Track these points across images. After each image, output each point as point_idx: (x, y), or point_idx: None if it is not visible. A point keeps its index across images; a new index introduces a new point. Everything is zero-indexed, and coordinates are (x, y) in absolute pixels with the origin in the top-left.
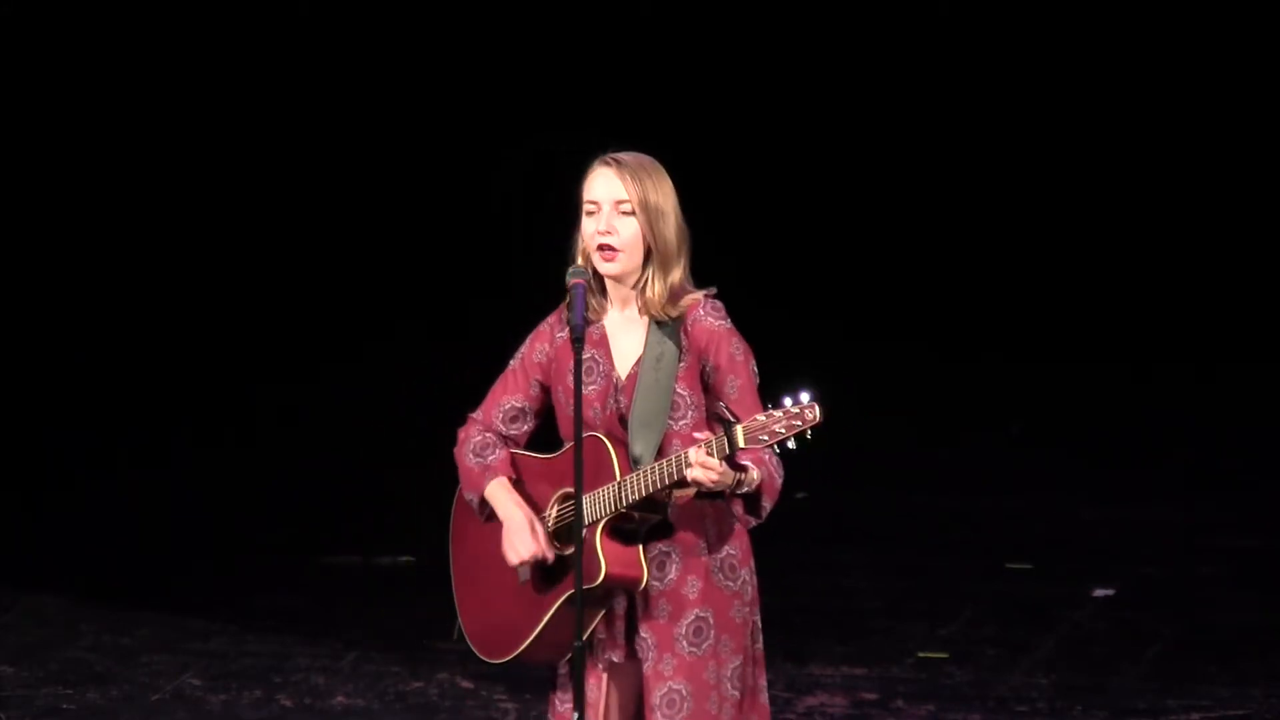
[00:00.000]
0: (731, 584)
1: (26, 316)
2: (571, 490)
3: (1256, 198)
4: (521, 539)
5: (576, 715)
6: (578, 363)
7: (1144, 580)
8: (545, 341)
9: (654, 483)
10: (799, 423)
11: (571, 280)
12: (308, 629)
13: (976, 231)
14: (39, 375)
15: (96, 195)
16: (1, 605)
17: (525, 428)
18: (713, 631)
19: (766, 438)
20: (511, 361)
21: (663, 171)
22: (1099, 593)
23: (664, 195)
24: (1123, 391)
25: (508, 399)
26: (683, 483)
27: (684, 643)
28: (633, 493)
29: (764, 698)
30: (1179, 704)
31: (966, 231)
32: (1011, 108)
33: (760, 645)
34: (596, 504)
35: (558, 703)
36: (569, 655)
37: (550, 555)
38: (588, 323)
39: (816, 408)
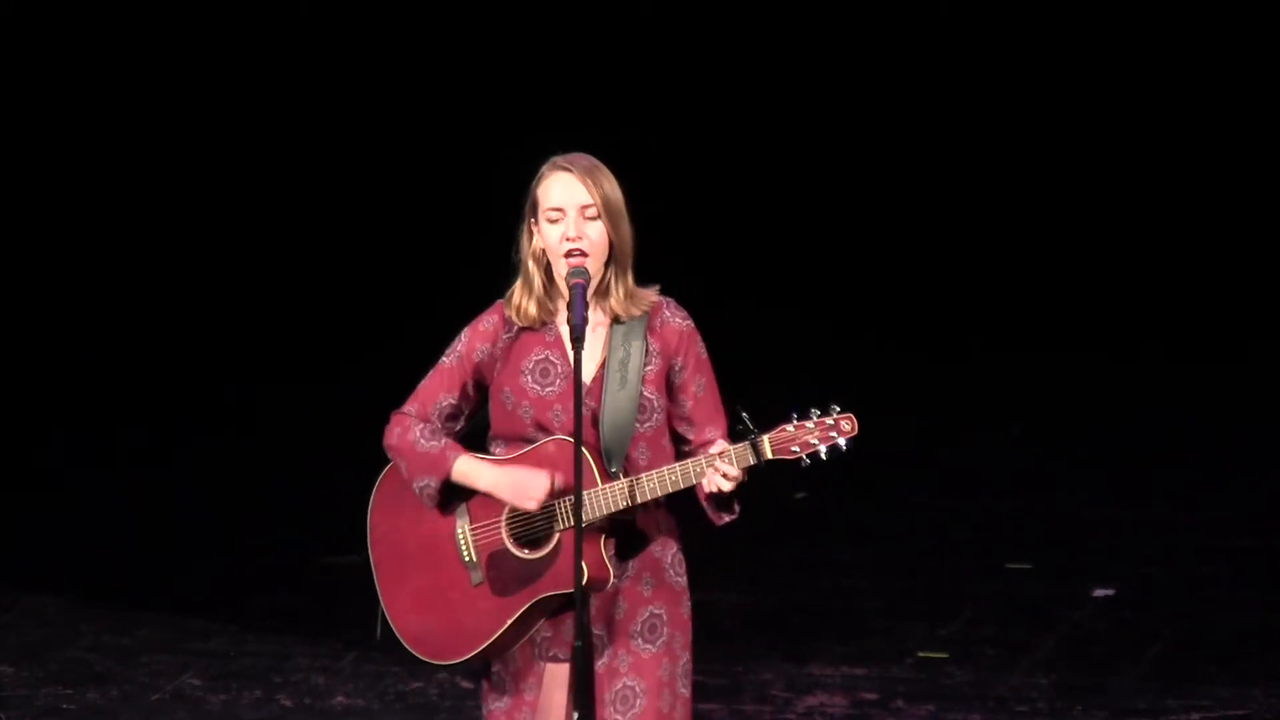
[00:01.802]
0: (680, 580)
1: (26, 316)
2: None
3: (1257, 197)
4: (533, 483)
5: (577, 715)
6: (577, 365)
7: (1144, 580)
8: (487, 341)
9: (653, 490)
10: (835, 434)
11: (572, 281)
12: (308, 629)
13: (977, 231)
14: (39, 375)
15: (96, 194)
16: (1, 605)
17: (458, 427)
18: (665, 628)
19: (798, 448)
20: (445, 358)
21: (607, 169)
22: (1099, 593)
23: (619, 194)
24: (1123, 391)
25: (444, 396)
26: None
27: (639, 640)
28: (625, 500)
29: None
30: (1179, 704)
31: (967, 231)
32: (1008, 104)
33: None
34: (584, 506)
35: (490, 700)
36: (506, 655)
37: (560, 479)
38: (537, 325)
39: (854, 419)
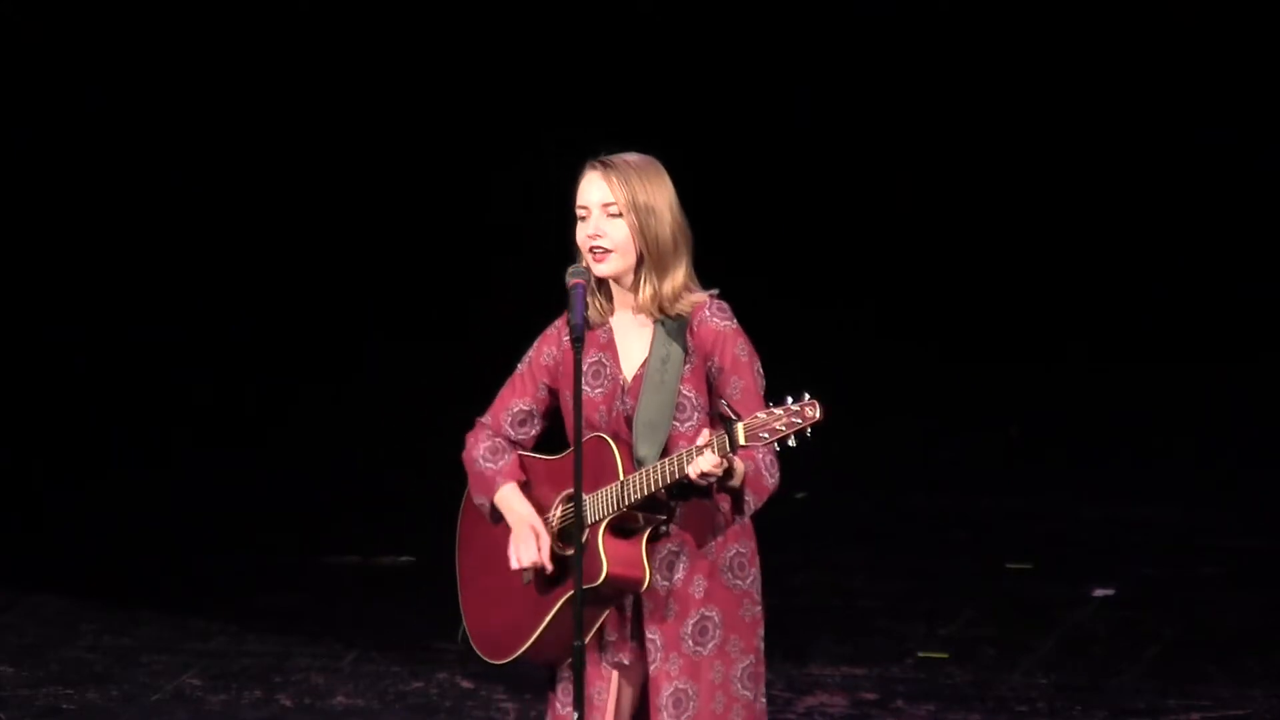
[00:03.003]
0: (740, 583)
1: (26, 316)
2: (569, 492)
3: (1256, 198)
4: (526, 546)
5: (576, 716)
6: (577, 363)
7: (1144, 580)
8: (553, 345)
9: (656, 481)
10: (799, 420)
11: (571, 280)
12: (308, 629)
13: (977, 231)
14: (38, 376)
15: (97, 194)
16: (1, 605)
17: (533, 431)
18: (719, 631)
19: (767, 435)
20: (519, 365)
21: (658, 171)
22: (1099, 593)
23: (656, 195)
24: (1123, 391)
25: (516, 402)
26: (684, 480)
27: (689, 642)
28: (635, 492)
29: (763, 701)
30: (1179, 704)
31: (967, 231)
32: (1013, 106)
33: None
34: (599, 504)
35: (558, 705)
36: (568, 659)
37: (548, 566)
38: (594, 325)
39: (817, 405)
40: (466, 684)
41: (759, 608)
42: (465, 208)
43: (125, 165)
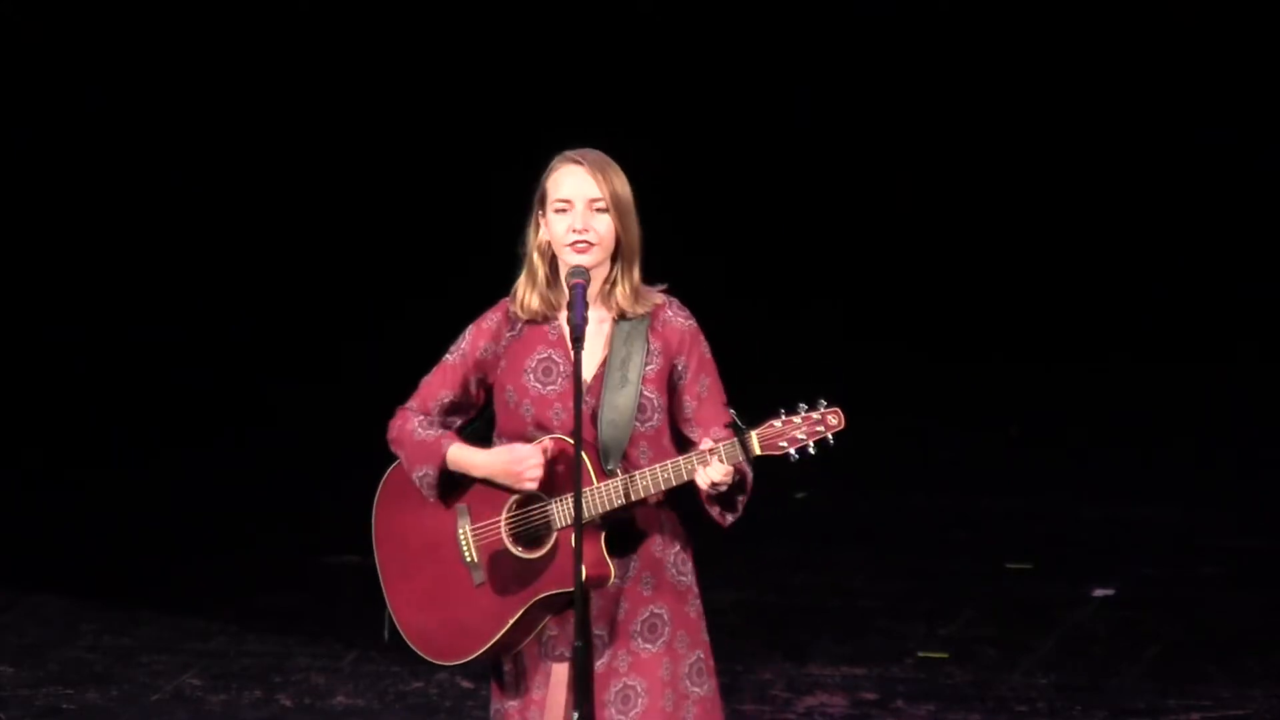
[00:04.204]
0: (684, 579)
1: (26, 316)
2: (533, 493)
3: (1256, 198)
4: (529, 462)
5: (577, 716)
6: (577, 364)
7: (1144, 580)
8: (490, 339)
9: (652, 487)
10: (822, 428)
11: (572, 280)
12: (308, 629)
13: (976, 231)
14: (39, 376)
15: (97, 194)
16: (1, 605)
17: (458, 422)
18: (668, 628)
19: (786, 443)
20: (448, 355)
21: (619, 167)
22: (1099, 593)
23: (628, 191)
24: (1122, 391)
25: (445, 392)
26: (689, 485)
27: (639, 639)
28: (630, 495)
29: (715, 691)
30: (1179, 704)
31: (966, 231)
32: (1012, 105)
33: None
34: (590, 505)
35: (501, 699)
36: (513, 653)
37: (550, 450)
38: (542, 320)
39: (840, 413)
40: (466, 684)
41: (700, 601)
42: (465, 208)
43: (125, 165)
